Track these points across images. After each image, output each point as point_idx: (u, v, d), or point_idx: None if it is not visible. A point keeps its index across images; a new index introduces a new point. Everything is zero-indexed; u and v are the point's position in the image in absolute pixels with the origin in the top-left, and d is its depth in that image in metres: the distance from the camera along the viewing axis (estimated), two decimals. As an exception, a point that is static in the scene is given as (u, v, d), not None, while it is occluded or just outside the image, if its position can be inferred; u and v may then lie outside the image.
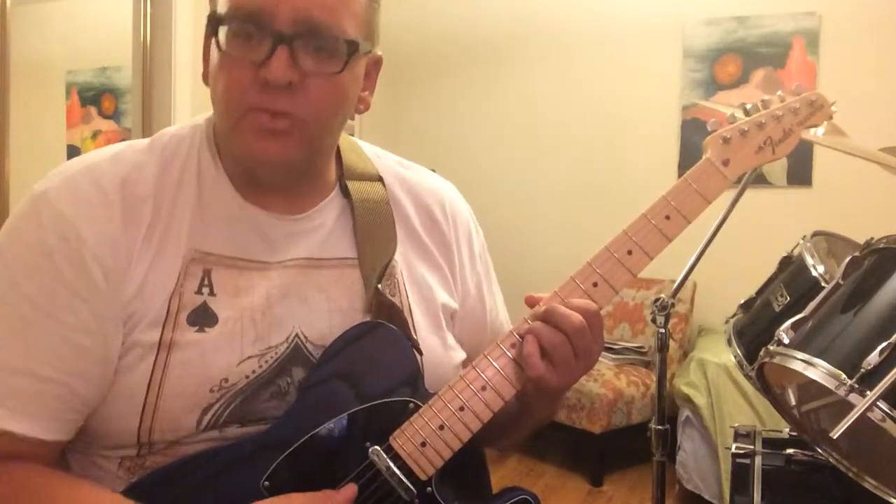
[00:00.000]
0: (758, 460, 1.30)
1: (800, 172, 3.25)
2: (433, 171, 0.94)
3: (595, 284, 0.76)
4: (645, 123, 3.54)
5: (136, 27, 2.84)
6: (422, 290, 0.83)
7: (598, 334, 0.75)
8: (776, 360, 1.06)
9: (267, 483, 0.70)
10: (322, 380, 0.74)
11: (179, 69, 2.82)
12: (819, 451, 1.20)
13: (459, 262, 0.88)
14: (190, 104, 2.82)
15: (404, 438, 0.72)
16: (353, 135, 0.91)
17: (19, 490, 0.67)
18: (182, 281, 0.71)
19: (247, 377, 0.71)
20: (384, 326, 0.77)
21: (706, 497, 2.62)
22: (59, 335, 0.66)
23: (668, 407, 1.55)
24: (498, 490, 0.81)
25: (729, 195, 1.32)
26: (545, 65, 3.78)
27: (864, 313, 1.03)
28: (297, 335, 0.75)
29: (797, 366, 1.01)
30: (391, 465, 0.71)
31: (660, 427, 1.49)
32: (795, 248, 1.33)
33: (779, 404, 1.26)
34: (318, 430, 0.71)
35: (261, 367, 0.72)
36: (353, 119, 0.81)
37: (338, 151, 0.84)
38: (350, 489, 0.70)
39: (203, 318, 0.71)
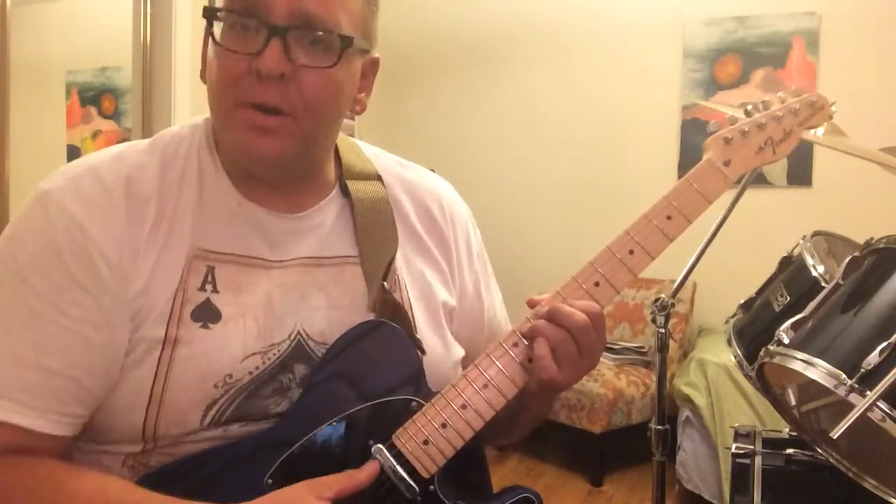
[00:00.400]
0: (758, 460, 1.30)
1: (800, 172, 3.25)
2: (433, 171, 0.94)
3: (597, 284, 0.76)
4: (645, 123, 3.54)
5: (136, 27, 2.84)
6: (422, 288, 0.84)
7: (600, 333, 0.75)
8: (776, 360, 1.07)
9: (270, 481, 0.70)
10: (325, 379, 0.74)
11: (179, 69, 2.82)
12: (819, 451, 1.20)
13: (457, 259, 0.89)
14: (190, 104, 2.82)
15: (407, 436, 0.73)
16: (352, 135, 0.92)
17: (28, 483, 0.68)
18: (186, 277, 0.72)
19: (250, 373, 0.72)
20: (386, 325, 0.77)
21: (706, 497, 2.62)
22: (68, 329, 0.67)
23: (668, 407, 1.55)
24: (499, 489, 0.81)
25: (729, 195, 1.32)
26: (545, 65, 3.78)
27: (864, 313, 1.03)
28: (298, 332, 0.75)
29: (797, 366, 1.02)
30: (394, 463, 0.71)
31: (660, 427, 1.49)
32: (795, 248, 1.33)
33: (779, 404, 1.26)
34: (321, 428, 0.72)
35: (263, 363, 0.73)
36: (351, 120, 0.81)
37: (336, 151, 0.84)
38: (373, 466, 0.71)
39: (207, 314, 0.72)
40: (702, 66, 3.42)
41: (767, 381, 1.22)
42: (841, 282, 1.09)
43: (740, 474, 1.30)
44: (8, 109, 2.47)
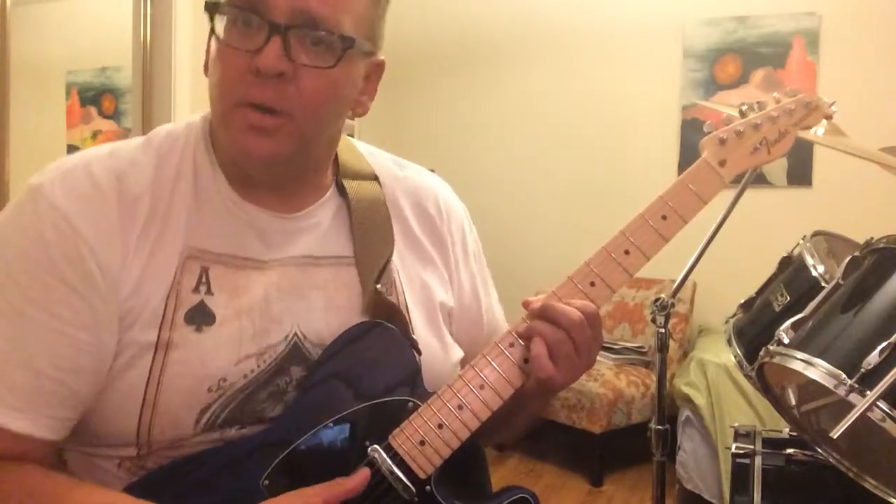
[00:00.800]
0: (758, 460, 1.30)
1: (800, 172, 3.25)
2: (432, 171, 0.94)
3: (592, 284, 0.76)
4: (645, 123, 3.54)
5: (136, 27, 2.84)
6: (419, 288, 0.84)
7: (597, 331, 0.75)
8: (776, 359, 1.06)
9: (266, 482, 0.70)
10: (321, 380, 0.74)
11: (179, 69, 2.81)
12: (819, 451, 1.20)
13: (454, 258, 0.89)
14: (190, 104, 2.81)
15: (403, 437, 0.72)
16: (352, 135, 0.92)
17: (15, 489, 0.66)
18: (179, 278, 0.70)
19: (245, 376, 0.71)
20: (383, 326, 0.77)
21: (706, 497, 2.62)
22: (55, 329, 0.66)
23: (668, 407, 1.55)
24: (497, 490, 0.81)
25: (729, 195, 1.32)
26: (545, 65, 3.78)
27: (864, 313, 1.03)
28: (295, 334, 0.75)
29: (797, 366, 1.01)
30: (390, 463, 0.71)
31: (660, 427, 1.49)
32: (795, 248, 1.33)
33: (779, 404, 1.26)
34: (317, 429, 0.72)
35: (259, 366, 0.72)
36: (352, 120, 0.80)
37: None
38: (363, 474, 0.70)
39: (201, 316, 0.70)
40: (702, 66, 3.42)
41: (767, 381, 1.22)
42: (841, 282, 1.09)
43: (740, 474, 1.30)
44: (8, 109, 2.47)
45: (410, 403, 0.74)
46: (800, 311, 1.08)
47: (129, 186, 0.70)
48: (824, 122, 0.92)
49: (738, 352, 1.31)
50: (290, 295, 0.75)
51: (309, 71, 0.68)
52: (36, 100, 3.76)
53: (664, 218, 0.78)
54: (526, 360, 0.74)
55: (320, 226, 0.79)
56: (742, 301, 1.37)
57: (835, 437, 0.88)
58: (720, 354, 2.66)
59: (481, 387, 0.74)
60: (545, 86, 3.78)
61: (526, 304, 0.77)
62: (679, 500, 2.77)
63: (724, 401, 2.57)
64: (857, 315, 1.03)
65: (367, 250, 0.80)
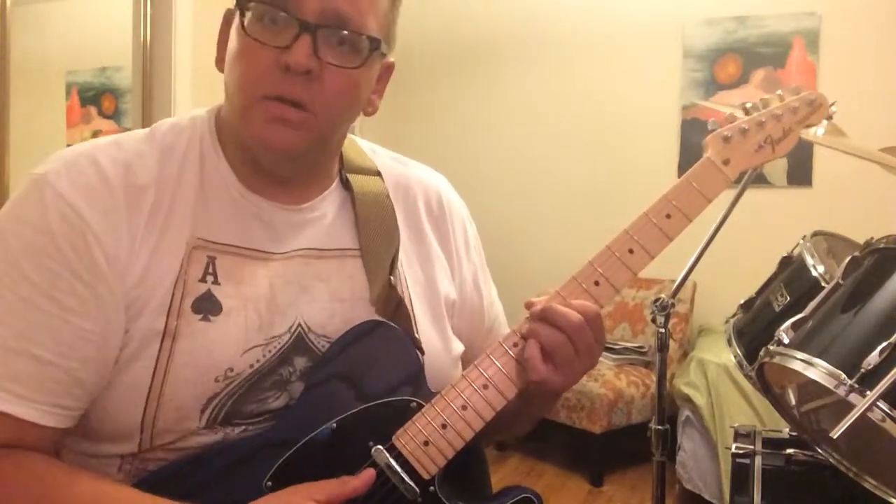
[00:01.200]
0: (758, 460, 1.30)
1: (800, 172, 3.25)
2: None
3: (596, 283, 0.76)
4: (645, 123, 3.54)
5: (136, 27, 2.84)
6: (422, 282, 0.84)
7: (598, 332, 0.75)
8: (776, 359, 1.06)
9: (269, 483, 0.70)
10: (324, 380, 0.74)
11: (179, 69, 2.81)
12: (819, 451, 1.20)
13: (456, 251, 0.90)
14: (190, 104, 2.81)
15: (407, 437, 0.72)
16: (353, 133, 0.92)
17: (21, 476, 0.66)
18: (186, 268, 0.71)
19: (251, 366, 0.72)
20: (386, 325, 0.77)
21: (706, 497, 2.62)
22: (60, 318, 0.66)
23: (668, 407, 1.55)
24: (499, 490, 0.81)
25: (729, 195, 1.32)
26: (545, 65, 3.78)
27: (864, 313, 1.03)
28: (299, 325, 0.75)
29: (797, 366, 1.01)
30: (394, 464, 0.71)
31: (660, 427, 1.49)
32: (795, 248, 1.33)
33: (779, 404, 1.26)
34: (320, 430, 0.72)
35: (264, 356, 0.73)
36: (365, 115, 0.81)
37: None
38: (368, 474, 0.70)
39: (208, 306, 0.71)
40: (702, 66, 3.42)
41: (767, 381, 1.22)
42: (841, 282, 1.09)
43: (740, 474, 1.30)
44: (8, 109, 2.47)
45: (414, 403, 0.74)
46: (800, 311, 1.08)
47: (135, 177, 0.71)
48: (824, 122, 0.92)
49: (738, 352, 1.31)
50: (295, 287, 0.76)
51: (334, 70, 0.69)
52: (36, 100, 3.75)
53: (668, 217, 0.78)
54: (524, 363, 0.74)
55: (325, 218, 0.80)
56: (742, 301, 1.37)
57: (835, 437, 0.88)
58: (720, 354, 2.66)
59: (485, 386, 0.74)
60: (545, 86, 3.78)
61: (528, 306, 0.77)
62: (679, 500, 2.77)
63: (724, 401, 2.57)
64: (857, 315, 1.03)
65: (372, 243, 0.81)
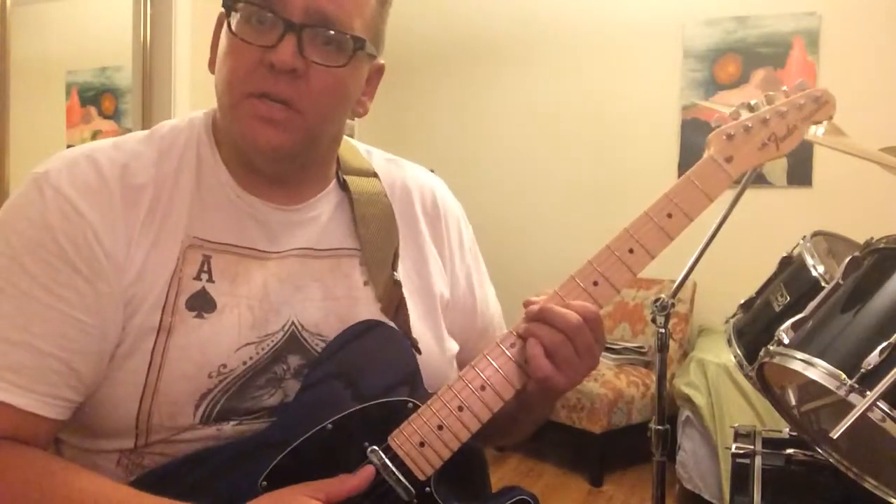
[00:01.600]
0: (758, 460, 1.29)
1: (800, 172, 3.25)
2: (432, 170, 0.95)
3: (596, 283, 0.76)
4: (645, 123, 3.54)
5: (136, 27, 2.84)
6: (417, 281, 0.85)
7: (598, 333, 0.74)
8: (776, 360, 1.06)
9: (265, 483, 0.70)
10: (320, 380, 0.74)
11: (179, 69, 2.81)
12: (819, 451, 1.20)
13: (450, 251, 0.90)
14: (190, 104, 2.82)
15: (403, 438, 0.72)
16: (352, 135, 0.93)
17: (20, 467, 0.67)
18: (181, 266, 0.72)
19: (244, 363, 0.72)
20: (383, 325, 0.77)
21: (706, 497, 2.61)
22: (59, 311, 0.67)
23: (668, 407, 1.54)
24: (496, 490, 0.81)
25: (729, 195, 1.32)
26: (545, 65, 3.78)
27: (864, 313, 1.02)
28: (293, 323, 0.76)
29: (797, 366, 1.01)
30: (389, 464, 0.71)
31: (660, 427, 1.49)
32: (795, 248, 1.33)
33: (779, 404, 1.26)
34: (316, 429, 0.71)
35: (258, 353, 0.73)
36: (352, 120, 0.82)
37: None
38: (367, 471, 0.70)
39: (202, 303, 0.72)
40: (702, 66, 3.42)
41: (767, 381, 1.21)
42: (841, 282, 1.09)
43: (740, 474, 1.30)
44: (8, 109, 2.47)
45: (410, 404, 0.74)
46: (800, 311, 1.08)
47: (132, 177, 0.72)
48: (824, 122, 0.91)
49: (738, 352, 1.31)
50: (289, 285, 0.76)
51: (319, 69, 0.70)
52: (36, 100, 3.75)
53: (669, 216, 0.77)
54: (527, 362, 0.74)
55: (320, 218, 0.81)
56: (742, 301, 1.37)
57: (835, 437, 0.88)
58: (720, 354, 2.66)
59: (482, 387, 0.73)
60: (545, 86, 3.78)
61: (527, 305, 0.76)
62: (679, 500, 2.77)
63: (724, 401, 2.57)
64: (857, 315, 1.03)
65: (373, 242, 0.81)
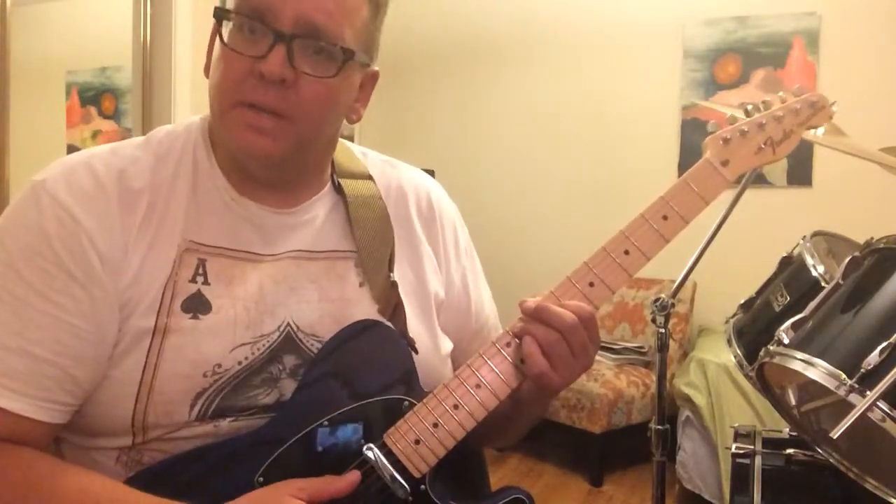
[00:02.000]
0: (758, 460, 1.29)
1: (800, 172, 3.25)
2: (432, 171, 0.95)
3: (591, 284, 0.76)
4: (645, 123, 3.54)
5: (136, 27, 2.84)
6: (412, 281, 0.85)
7: (593, 333, 0.75)
8: (776, 360, 1.06)
9: (261, 479, 0.70)
10: (317, 378, 0.74)
11: (179, 69, 2.81)
12: (819, 451, 1.20)
13: (445, 252, 0.90)
14: (190, 104, 2.82)
15: (398, 436, 0.73)
16: (352, 137, 0.93)
17: (13, 474, 0.67)
18: (177, 269, 0.72)
19: (239, 363, 0.73)
20: (380, 325, 0.78)
21: (706, 497, 2.61)
22: (55, 317, 0.68)
23: (668, 407, 1.54)
24: (495, 490, 0.81)
25: (729, 195, 1.32)
26: (545, 65, 3.78)
27: (864, 313, 1.02)
28: (288, 324, 0.76)
29: (797, 366, 1.01)
30: (385, 462, 0.71)
31: (660, 427, 1.49)
32: (795, 248, 1.33)
33: (779, 404, 1.26)
34: (312, 427, 0.72)
35: (253, 354, 0.74)
36: (349, 122, 0.82)
37: None
38: (353, 475, 0.71)
39: (197, 305, 0.73)
40: (702, 66, 3.42)
41: (767, 381, 1.21)
42: (841, 282, 1.09)
43: (740, 474, 1.30)
44: (8, 109, 2.47)
45: (406, 402, 0.75)
46: (800, 311, 1.08)
47: (129, 182, 0.73)
48: (825, 123, 0.91)
49: (738, 352, 1.31)
50: (284, 287, 0.77)
51: (309, 79, 0.71)
52: (36, 100, 3.75)
53: (665, 218, 0.77)
54: (522, 360, 0.74)
55: (315, 221, 0.81)
56: (742, 301, 1.37)
57: (835, 437, 0.88)
58: (720, 354, 2.66)
59: (478, 386, 0.74)
60: (545, 86, 3.78)
61: (522, 305, 0.77)
62: (679, 500, 2.77)
63: (724, 401, 2.57)
64: (857, 315, 1.03)
65: (368, 243, 0.82)
